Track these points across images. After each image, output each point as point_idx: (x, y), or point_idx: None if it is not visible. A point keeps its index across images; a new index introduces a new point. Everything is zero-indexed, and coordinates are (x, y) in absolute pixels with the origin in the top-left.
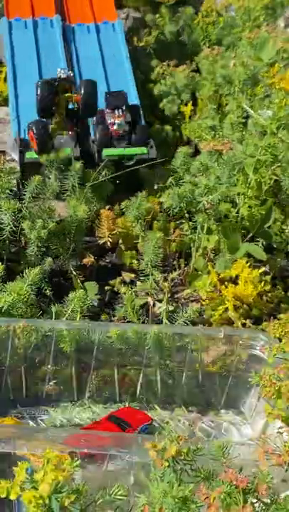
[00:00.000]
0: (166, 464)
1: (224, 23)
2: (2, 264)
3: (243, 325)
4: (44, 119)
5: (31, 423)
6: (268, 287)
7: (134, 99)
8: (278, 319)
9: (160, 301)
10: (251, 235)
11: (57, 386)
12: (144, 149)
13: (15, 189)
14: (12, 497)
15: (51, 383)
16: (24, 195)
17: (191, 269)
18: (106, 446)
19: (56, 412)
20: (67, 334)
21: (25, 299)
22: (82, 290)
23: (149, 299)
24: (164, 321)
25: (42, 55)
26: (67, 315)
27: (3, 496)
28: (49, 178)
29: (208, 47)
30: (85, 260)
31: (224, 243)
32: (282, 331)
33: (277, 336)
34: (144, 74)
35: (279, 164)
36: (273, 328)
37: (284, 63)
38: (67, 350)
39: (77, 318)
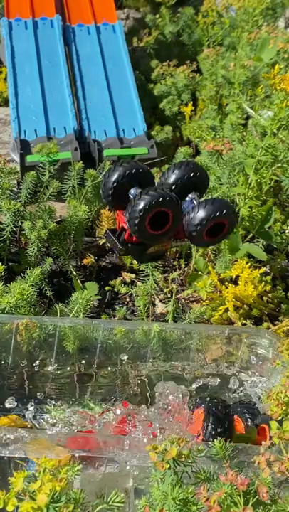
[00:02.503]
0: (167, 465)
1: (223, 24)
2: (2, 264)
3: (243, 325)
4: None
5: (32, 422)
6: (268, 288)
7: (134, 99)
8: (280, 321)
9: (160, 301)
10: (251, 235)
11: (59, 385)
12: (144, 149)
13: (15, 189)
14: (9, 509)
15: (53, 382)
16: (19, 193)
17: (192, 269)
18: (104, 449)
19: (57, 411)
20: (70, 332)
21: (29, 299)
22: (86, 291)
23: (154, 299)
24: (170, 321)
25: (42, 56)
26: (71, 315)
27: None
28: (52, 179)
29: (213, 47)
30: (85, 260)
31: (224, 243)
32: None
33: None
34: (144, 74)
35: (279, 165)
36: (279, 328)
37: (284, 64)
38: (70, 348)
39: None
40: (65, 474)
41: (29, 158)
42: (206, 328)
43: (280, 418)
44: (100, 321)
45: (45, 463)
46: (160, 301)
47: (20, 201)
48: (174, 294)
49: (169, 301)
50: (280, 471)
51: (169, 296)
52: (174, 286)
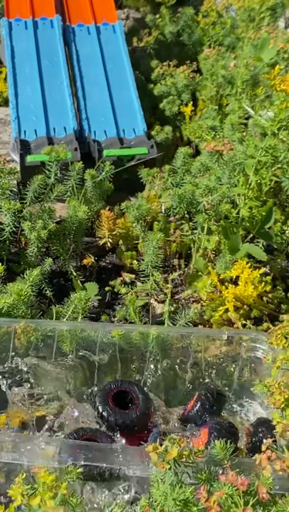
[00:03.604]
0: (168, 466)
1: (224, 24)
2: (2, 264)
3: (244, 325)
4: None
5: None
6: (268, 288)
7: (134, 99)
8: (280, 321)
9: (161, 301)
10: (252, 235)
11: (58, 387)
12: (144, 149)
13: (15, 189)
14: None
15: (53, 383)
16: (25, 195)
17: (192, 269)
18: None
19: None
20: (68, 335)
21: (26, 300)
22: (83, 291)
23: (153, 300)
24: (166, 322)
25: (42, 56)
26: (67, 316)
27: None
28: (51, 179)
29: (213, 47)
30: (85, 261)
31: (224, 244)
32: (285, 343)
33: (281, 347)
34: (144, 74)
35: (279, 165)
36: (276, 339)
37: (284, 64)
38: (69, 350)
39: (79, 319)
40: (65, 490)
41: (29, 158)
42: (204, 332)
43: (282, 406)
44: (98, 324)
45: (45, 477)
46: (160, 301)
47: (25, 203)
48: (168, 294)
49: (170, 301)
50: (281, 469)
51: (169, 296)
52: (170, 286)
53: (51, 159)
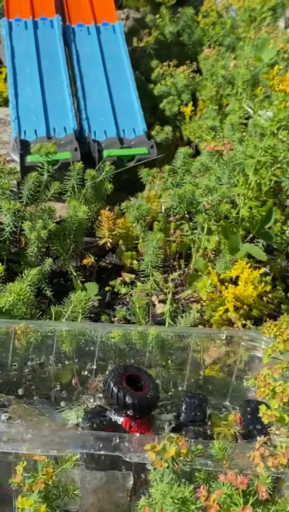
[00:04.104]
0: (166, 465)
1: (224, 24)
2: (2, 264)
3: (244, 326)
4: None
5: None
6: (268, 288)
7: (134, 99)
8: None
9: (161, 301)
10: (252, 235)
11: (58, 386)
12: (144, 149)
13: (15, 189)
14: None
15: (52, 384)
16: (21, 193)
17: (192, 269)
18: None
19: (58, 412)
20: (68, 335)
21: (26, 299)
22: (83, 291)
23: (154, 299)
24: (167, 321)
25: (42, 56)
26: (66, 316)
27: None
28: (51, 179)
29: (213, 47)
30: (85, 261)
31: (224, 244)
32: (277, 331)
33: (272, 335)
34: (144, 74)
35: (279, 165)
36: (269, 328)
37: (284, 64)
38: (68, 350)
39: (79, 319)
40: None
41: (29, 159)
42: (203, 331)
43: (267, 398)
44: (97, 325)
45: (23, 503)
46: (160, 301)
47: (22, 202)
48: (169, 294)
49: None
50: (273, 465)
51: (170, 296)
52: (170, 285)
53: (44, 157)
